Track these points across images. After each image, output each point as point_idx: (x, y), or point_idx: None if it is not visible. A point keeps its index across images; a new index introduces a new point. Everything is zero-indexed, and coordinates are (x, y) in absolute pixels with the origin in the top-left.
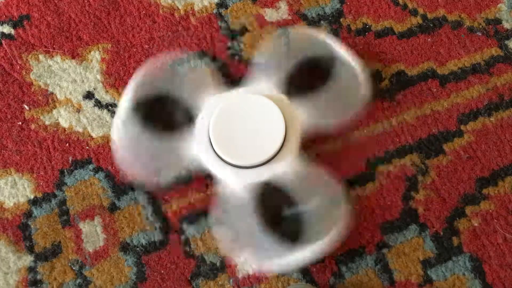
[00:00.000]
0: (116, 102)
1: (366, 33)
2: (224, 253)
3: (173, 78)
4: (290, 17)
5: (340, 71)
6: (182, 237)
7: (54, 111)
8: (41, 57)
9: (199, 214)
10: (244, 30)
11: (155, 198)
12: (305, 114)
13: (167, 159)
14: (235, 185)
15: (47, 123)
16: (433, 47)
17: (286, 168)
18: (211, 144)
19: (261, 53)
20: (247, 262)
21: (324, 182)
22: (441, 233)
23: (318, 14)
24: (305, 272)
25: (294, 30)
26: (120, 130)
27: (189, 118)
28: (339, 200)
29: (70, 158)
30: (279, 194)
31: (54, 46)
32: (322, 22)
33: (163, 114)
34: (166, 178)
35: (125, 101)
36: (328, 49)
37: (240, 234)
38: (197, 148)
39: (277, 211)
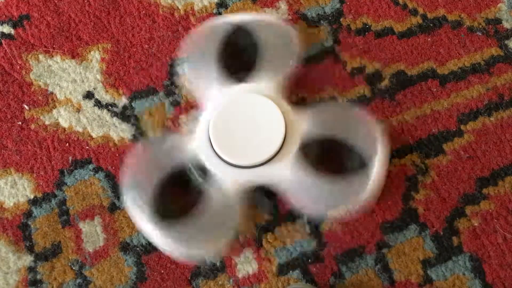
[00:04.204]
0: (116, 101)
1: (366, 33)
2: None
3: None
4: (290, 17)
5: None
6: None
7: (54, 111)
8: (41, 57)
9: None
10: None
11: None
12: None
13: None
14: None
15: (47, 123)
16: (433, 47)
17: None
18: (211, 144)
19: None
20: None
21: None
22: (441, 233)
23: (318, 14)
24: (305, 272)
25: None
26: None
27: None
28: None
29: (70, 158)
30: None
31: (54, 46)
32: (322, 22)
33: None
34: None
35: None
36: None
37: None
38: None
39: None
